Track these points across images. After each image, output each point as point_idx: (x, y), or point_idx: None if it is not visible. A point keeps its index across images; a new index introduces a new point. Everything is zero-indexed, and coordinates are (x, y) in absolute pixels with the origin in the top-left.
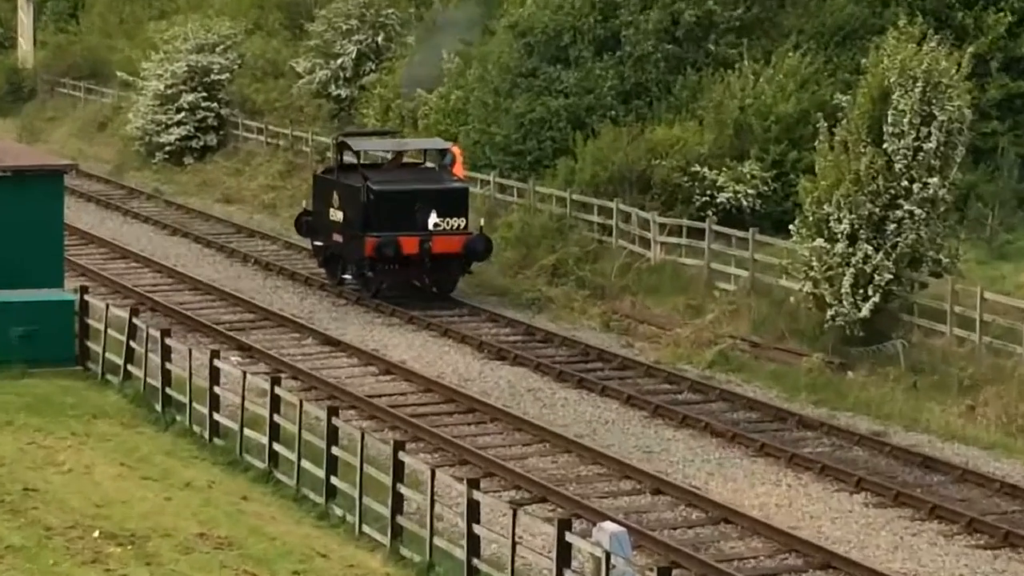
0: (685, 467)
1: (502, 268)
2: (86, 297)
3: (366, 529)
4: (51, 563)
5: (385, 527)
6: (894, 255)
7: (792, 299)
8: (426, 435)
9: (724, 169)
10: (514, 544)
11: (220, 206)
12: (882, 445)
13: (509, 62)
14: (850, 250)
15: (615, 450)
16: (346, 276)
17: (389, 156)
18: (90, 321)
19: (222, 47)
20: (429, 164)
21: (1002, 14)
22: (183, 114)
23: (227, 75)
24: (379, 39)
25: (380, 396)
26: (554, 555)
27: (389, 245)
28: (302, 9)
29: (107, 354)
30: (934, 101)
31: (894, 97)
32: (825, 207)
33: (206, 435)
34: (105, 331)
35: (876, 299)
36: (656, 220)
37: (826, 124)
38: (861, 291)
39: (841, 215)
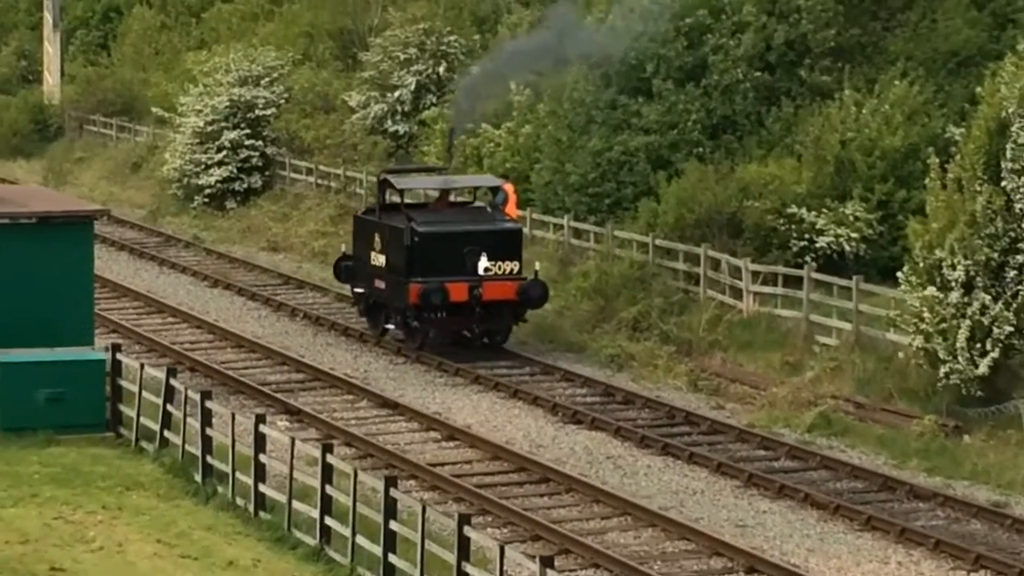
0: (783, 543)
1: (577, 322)
2: (118, 356)
3: None
4: None
5: None
6: (1015, 305)
7: (901, 355)
8: (494, 508)
9: (824, 210)
10: None
11: (266, 254)
12: (1003, 517)
13: (584, 95)
14: (965, 300)
15: (704, 524)
16: (389, 326)
17: (435, 195)
18: (123, 382)
19: (267, 79)
20: (479, 203)
21: None
22: (224, 153)
23: (273, 110)
24: (440, 69)
25: (443, 464)
26: None
27: (435, 292)
28: (355, 38)
29: (142, 419)
30: None
31: (1013, 129)
32: (937, 252)
33: (251, 508)
34: (139, 394)
35: (995, 354)
36: (748, 267)
37: (937, 160)
38: (978, 345)
39: (955, 261)
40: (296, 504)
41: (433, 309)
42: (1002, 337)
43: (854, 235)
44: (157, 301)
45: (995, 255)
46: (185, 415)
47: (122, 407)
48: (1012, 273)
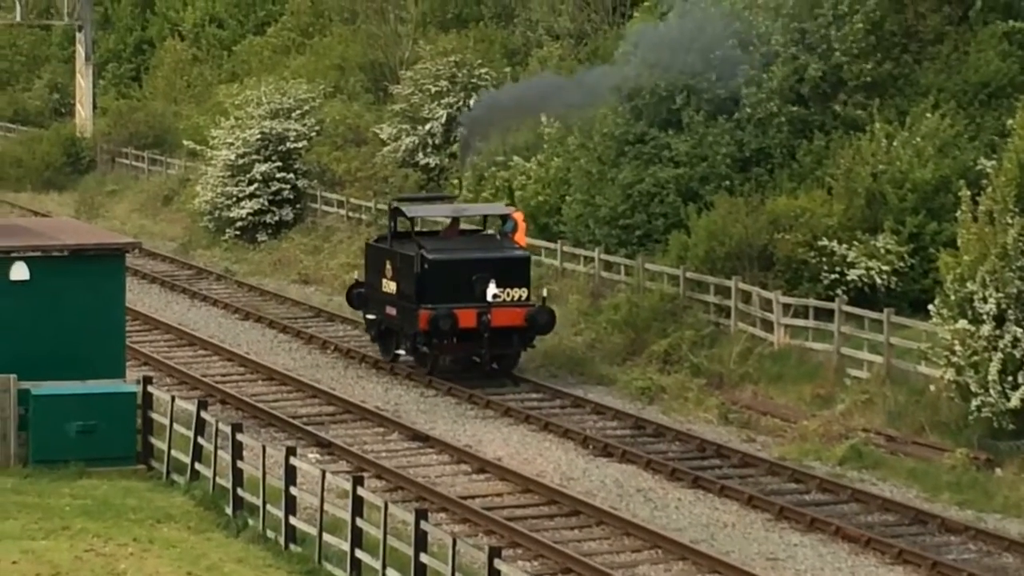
0: None
1: (608, 354)
2: (149, 388)
3: None
4: None
5: None
6: None
7: (932, 388)
8: (525, 540)
9: (855, 243)
10: None
11: (297, 287)
12: None
13: (614, 128)
14: (997, 332)
15: (735, 557)
16: (400, 352)
17: (446, 223)
18: (154, 415)
19: (299, 112)
20: (489, 231)
21: None
22: (256, 186)
23: (304, 143)
24: (471, 102)
25: (473, 497)
26: None
27: (445, 318)
28: (386, 70)
29: (172, 451)
30: None
31: None
32: (969, 285)
33: (281, 541)
34: (170, 426)
35: None
36: (779, 300)
37: (969, 192)
38: (1010, 378)
39: (987, 294)
40: (327, 537)
41: (442, 335)
42: None
43: (885, 268)
44: (188, 334)
45: None
46: (216, 448)
47: (153, 439)
48: None
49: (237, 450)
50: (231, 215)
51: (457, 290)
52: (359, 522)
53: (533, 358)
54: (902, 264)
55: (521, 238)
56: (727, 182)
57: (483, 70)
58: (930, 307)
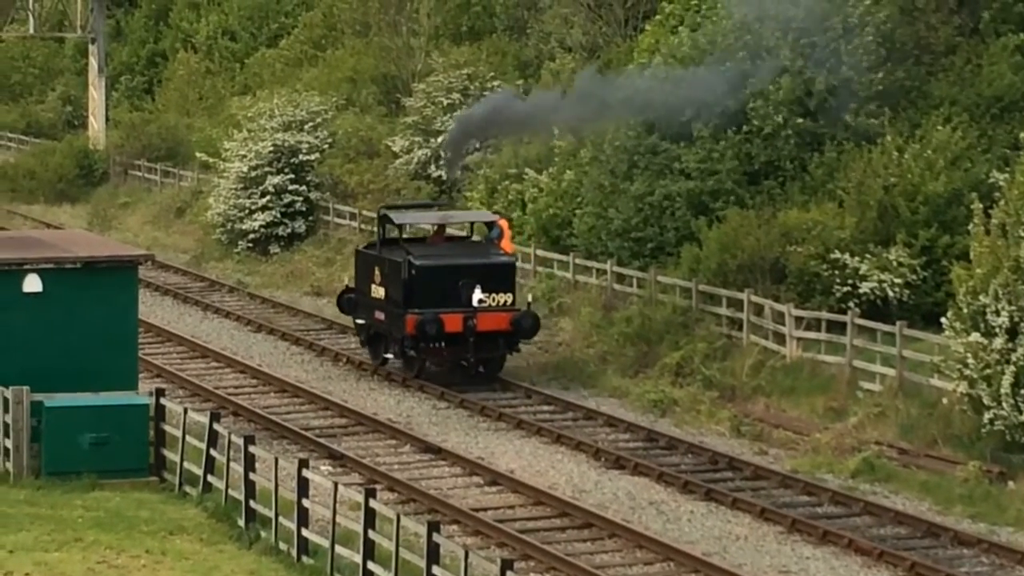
0: None
1: (620, 367)
2: (162, 401)
3: None
4: None
5: None
6: None
7: (945, 401)
8: (537, 553)
9: (867, 256)
10: None
11: (309, 299)
12: None
13: (626, 140)
14: (1010, 345)
15: (747, 570)
16: (388, 355)
17: (433, 229)
18: (166, 427)
19: (311, 124)
20: (475, 238)
21: None
22: (268, 198)
23: (316, 155)
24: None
25: (486, 509)
26: None
27: (431, 323)
28: (399, 83)
29: (185, 464)
30: None
31: None
32: (981, 298)
33: (294, 553)
34: (183, 438)
35: None
36: (792, 313)
37: (981, 205)
38: (1023, 391)
39: (999, 307)
40: (339, 549)
41: (429, 339)
42: None
43: (897, 280)
44: (201, 346)
45: None
46: (228, 460)
47: (166, 452)
48: None
49: (249, 462)
50: (243, 227)
51: (444, 295)
52: (371, 534)
53: (545, 370)
54: (914, 277)
55: (507, 244)
56: (734, 196)
57: (495, 83)
58: (943, 320)
